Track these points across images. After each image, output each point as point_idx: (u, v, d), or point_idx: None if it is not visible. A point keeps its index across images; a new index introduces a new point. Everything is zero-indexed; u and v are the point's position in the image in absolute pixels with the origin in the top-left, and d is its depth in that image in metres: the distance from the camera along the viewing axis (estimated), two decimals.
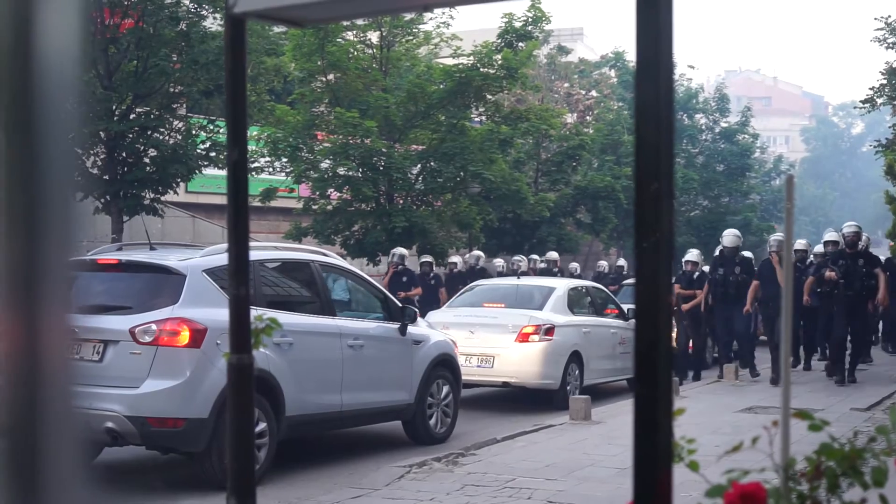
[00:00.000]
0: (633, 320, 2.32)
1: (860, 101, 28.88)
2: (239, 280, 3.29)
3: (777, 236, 18.05)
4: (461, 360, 12.76)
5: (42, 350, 1.13)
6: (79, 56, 1.17)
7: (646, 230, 2.28)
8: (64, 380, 1.14)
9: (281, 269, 10.51)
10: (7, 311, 1.12)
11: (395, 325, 11.20)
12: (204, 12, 18.90)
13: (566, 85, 41.66)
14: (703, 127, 45.26)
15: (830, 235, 18.63)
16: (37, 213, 1.14)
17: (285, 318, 9.07)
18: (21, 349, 1.12)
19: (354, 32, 25.24)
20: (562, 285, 16.23)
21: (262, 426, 9.08)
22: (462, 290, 17.30)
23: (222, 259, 8.30)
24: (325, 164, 24.33)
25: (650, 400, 2.24)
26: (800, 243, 19.48)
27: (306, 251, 11.36)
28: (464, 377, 12.62)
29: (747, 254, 18.45)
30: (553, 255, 27.80)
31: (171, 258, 9.49)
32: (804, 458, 2.57)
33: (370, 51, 25.78)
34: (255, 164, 23.36)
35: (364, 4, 2.71)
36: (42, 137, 1.14)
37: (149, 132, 18.83)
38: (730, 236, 17.97)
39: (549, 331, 14.49)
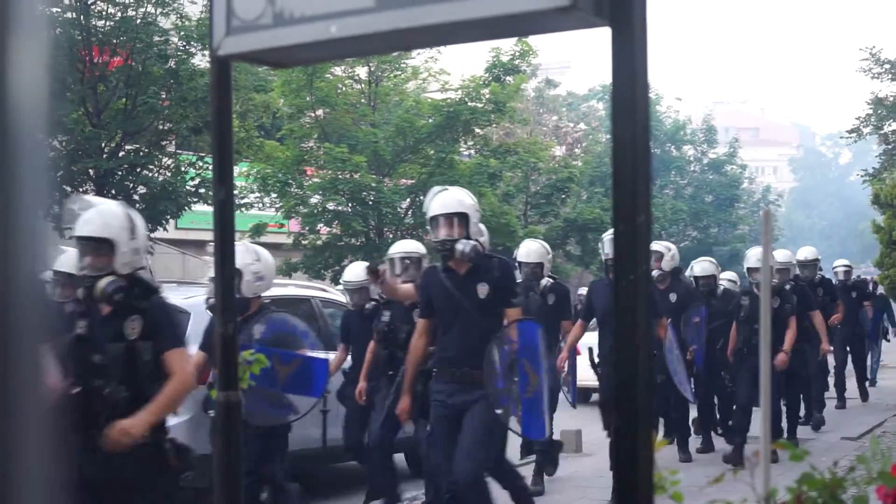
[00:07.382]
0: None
1: (847, 131, 29.15)
2: (226, 318, 3.32)
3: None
4: None
5: (15, 380, 1.15)
6: (49, 95, 1.22)
7: (624, 268, 2.32)
8: (38, 409, 1.16)
9: (281, 304, 10.51)
10: None
11: None
12: (192, 50, 19.02)
13: (554, 118, 41.88)
14: (692, 158, 45.40)
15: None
16: (6, 243, 1.17)
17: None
18: None
19: (343, 68, 25.37)
20: None
21: None
22: None
23: None
24: (314, 200, 24.38)
25: (630, 432, 2.27)
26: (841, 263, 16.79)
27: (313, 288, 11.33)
28: None
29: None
30: None
31: (174, 295, 9.47)
32: (786, 489, 2.60)
33: (358, 86, 25.91)
34: (245, 201, 23.42)
35: (344, 47, 2.76)
36: (14, 175, 1.18)
37: (138, 169, 18.91)
38: (398, 245, 9.35)
39: None
